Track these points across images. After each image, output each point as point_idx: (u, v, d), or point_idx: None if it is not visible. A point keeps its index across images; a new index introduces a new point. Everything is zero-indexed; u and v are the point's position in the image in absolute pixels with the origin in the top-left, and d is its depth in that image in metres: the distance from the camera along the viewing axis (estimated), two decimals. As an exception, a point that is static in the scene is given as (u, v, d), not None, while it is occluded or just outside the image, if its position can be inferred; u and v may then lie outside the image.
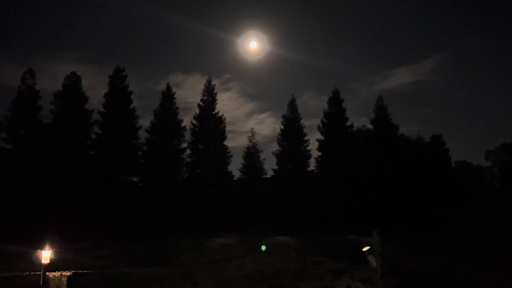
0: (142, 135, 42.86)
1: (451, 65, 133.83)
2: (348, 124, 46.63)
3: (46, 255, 14.26)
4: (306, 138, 46.83)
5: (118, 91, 42.31)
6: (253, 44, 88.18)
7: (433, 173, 44.97)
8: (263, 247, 25.43)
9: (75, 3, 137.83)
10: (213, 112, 45.47)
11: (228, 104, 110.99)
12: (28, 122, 38.79)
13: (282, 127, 47.42)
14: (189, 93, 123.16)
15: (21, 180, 35.02)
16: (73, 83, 40.94)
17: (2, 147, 38.34)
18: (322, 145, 46.17)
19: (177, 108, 44.80)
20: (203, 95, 46.28)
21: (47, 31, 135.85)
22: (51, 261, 14.66)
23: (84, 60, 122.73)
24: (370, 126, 48.85)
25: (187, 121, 45.23)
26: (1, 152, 37.83)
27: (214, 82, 47.20)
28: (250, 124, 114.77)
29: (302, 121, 47.69)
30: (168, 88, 45.13)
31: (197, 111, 45.76)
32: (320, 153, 46.16)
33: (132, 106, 42.66)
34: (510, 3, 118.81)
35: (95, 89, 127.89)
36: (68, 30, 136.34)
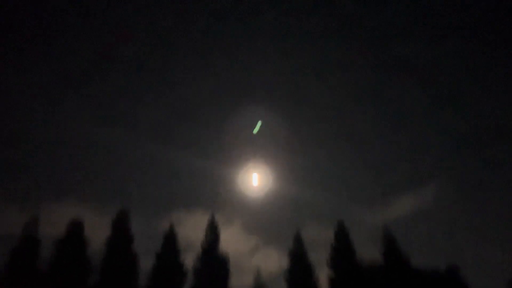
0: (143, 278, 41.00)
1: (454, 188, 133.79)
2: (357, 257, 44.94)
3: None
4: (315, 275, 44.48)
5: (120, 235, 41.79)
6: (254, 181, 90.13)
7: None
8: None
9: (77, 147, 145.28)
10: (216, 253, 44.02)
11: (231, 240, 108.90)
12: (26, 271, 37.65)
13: (289, 263, 45.35)
14: (191, 230, 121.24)
15: None
16: (75, 229, 40.67)
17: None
18: (332, 284, 43.58)
19: (179, 251, 43.35)
20: (206, 234, 45.36)
21: (48, 177, 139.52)
22: None
23: (86, 201, 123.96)
24: (381, 258, 46.77)
25: (189, 258, 43.66)
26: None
27: (216, 217, 46.52)
28: (254, 260, 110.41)
29: (308, 255, 45.85)
30: (171, 229, 44.38)
31: (200, 250, 44.37)
32: (331, 291, 43.39)
33: (134, 251, 41.68)
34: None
35: (96, 229, 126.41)
36: (69, 174, 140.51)
